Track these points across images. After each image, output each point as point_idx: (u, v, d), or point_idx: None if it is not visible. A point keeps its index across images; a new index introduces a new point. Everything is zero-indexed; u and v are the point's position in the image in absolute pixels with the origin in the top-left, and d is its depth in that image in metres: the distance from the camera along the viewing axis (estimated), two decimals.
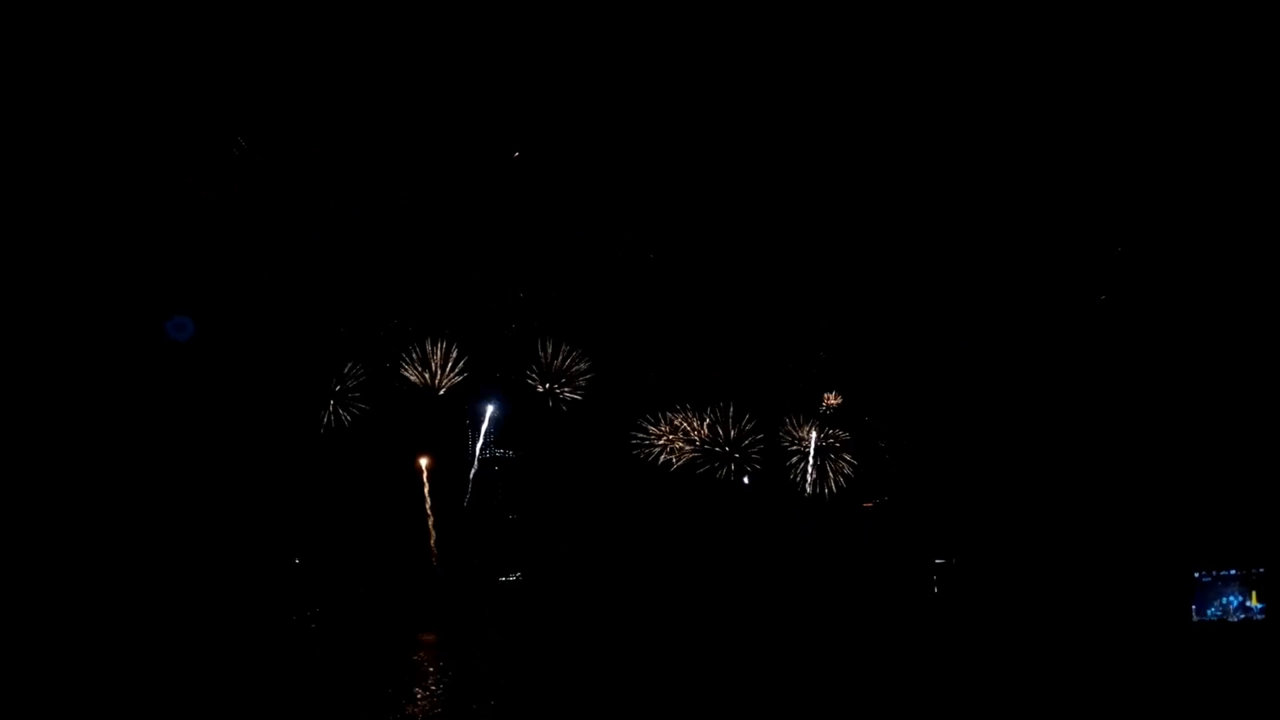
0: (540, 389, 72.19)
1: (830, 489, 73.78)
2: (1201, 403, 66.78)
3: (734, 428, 73.11)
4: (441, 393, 71.74)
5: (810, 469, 73.77)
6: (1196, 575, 59.93)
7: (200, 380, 67.05)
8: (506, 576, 72.78)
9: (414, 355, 71.35)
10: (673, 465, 73.17)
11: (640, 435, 73.19)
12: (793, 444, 74.00)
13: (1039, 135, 68.95)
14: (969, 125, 69.61)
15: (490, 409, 72.15)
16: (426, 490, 70.69)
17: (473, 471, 72.17)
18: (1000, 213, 70.37)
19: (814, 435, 73.44)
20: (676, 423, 73.24)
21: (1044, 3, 66.24)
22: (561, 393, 72.76)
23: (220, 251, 68.20)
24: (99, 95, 64.05)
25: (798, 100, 69.58)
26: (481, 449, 72.63)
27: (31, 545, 60.53)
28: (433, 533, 70.56)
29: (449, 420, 72.78)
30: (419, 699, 48.54)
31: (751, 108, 69.83)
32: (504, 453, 73.26)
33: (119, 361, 65.26)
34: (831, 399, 74.09)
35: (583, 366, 72.69)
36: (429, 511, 70.61)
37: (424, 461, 71.22)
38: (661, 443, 73.21)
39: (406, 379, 71.24)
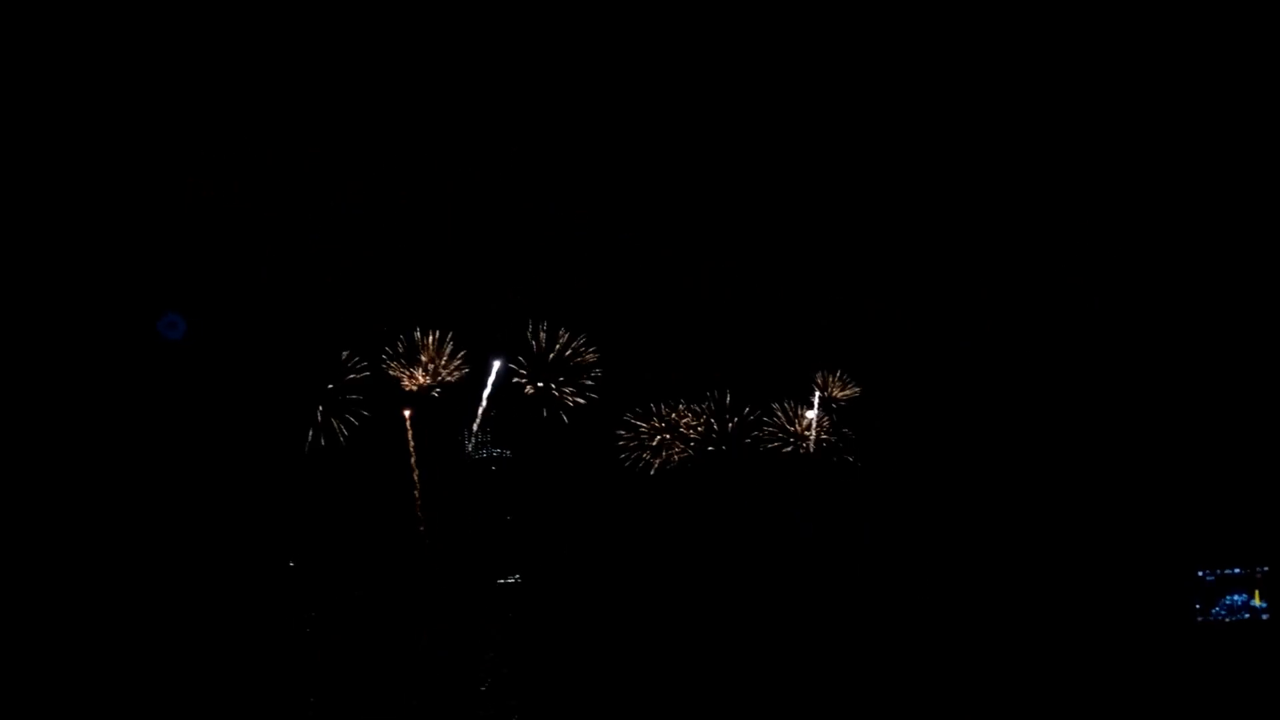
0: (531, 389, 71.84)
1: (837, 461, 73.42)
2: (1204, 403, 66.87)
3: (730, 422, 72.90)
4: (437, 393, 71.59)
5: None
6: (1200, 575, 59.83)
7: (198, 380, 67.12)
8: (505, 578, 72.28)
9: (402, 349, 71.15)
10: (669, 465, 72.87)
11: (631, 434, 72.86)
12: (789, 441, 73.77)
13: (1039, 136, 69.22)
14: (969, 126, 69.92)
15: (497, 364, 71.35)
16: (411, 445, 70.26)
17: (480, 410, 71.22)
18: (1000, 213, 70.59)
19: (813, 434, 73.24)
20: (672, 419, 72.94)
21: (1044, 3, 66.62)
22: (563, 395, 72.47)
23: (220, 251, 68.42)
24: (99, 95, 64.47)
25: (798, 100, 69.92)
26: (481, 429, 72.04)
27: (26, 549, 60.41)
28: (417, 483, 70.08)
29: (446, 417, 72.57)
30: (417, 702, 48.42)
31: (752, 107, 70.19)
32: (501, 452, 72.88)
33: (118, 361, 65.40)
34: (837, 389, 73.76)
35: (585, 360, 72.38)
36: (414, 465, 70.17)
37: (407, 413, 70.70)
38: (655, 443, 72.84)
39: (400, 378, 71.02)
